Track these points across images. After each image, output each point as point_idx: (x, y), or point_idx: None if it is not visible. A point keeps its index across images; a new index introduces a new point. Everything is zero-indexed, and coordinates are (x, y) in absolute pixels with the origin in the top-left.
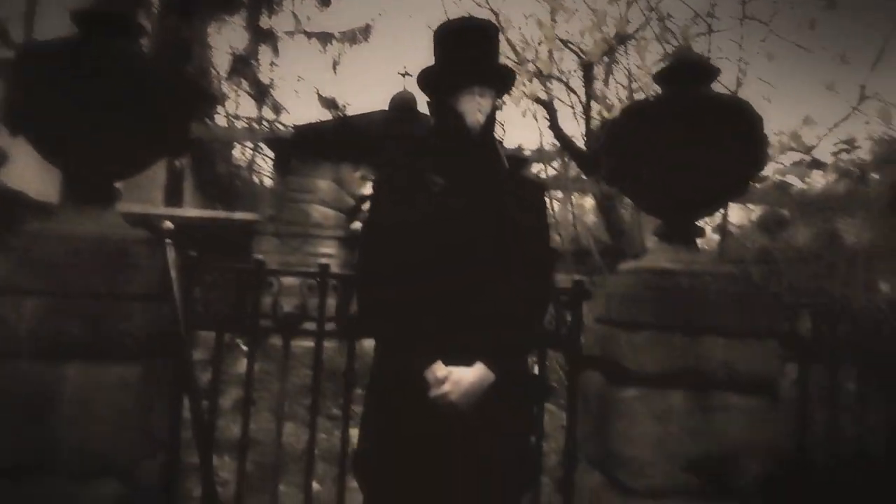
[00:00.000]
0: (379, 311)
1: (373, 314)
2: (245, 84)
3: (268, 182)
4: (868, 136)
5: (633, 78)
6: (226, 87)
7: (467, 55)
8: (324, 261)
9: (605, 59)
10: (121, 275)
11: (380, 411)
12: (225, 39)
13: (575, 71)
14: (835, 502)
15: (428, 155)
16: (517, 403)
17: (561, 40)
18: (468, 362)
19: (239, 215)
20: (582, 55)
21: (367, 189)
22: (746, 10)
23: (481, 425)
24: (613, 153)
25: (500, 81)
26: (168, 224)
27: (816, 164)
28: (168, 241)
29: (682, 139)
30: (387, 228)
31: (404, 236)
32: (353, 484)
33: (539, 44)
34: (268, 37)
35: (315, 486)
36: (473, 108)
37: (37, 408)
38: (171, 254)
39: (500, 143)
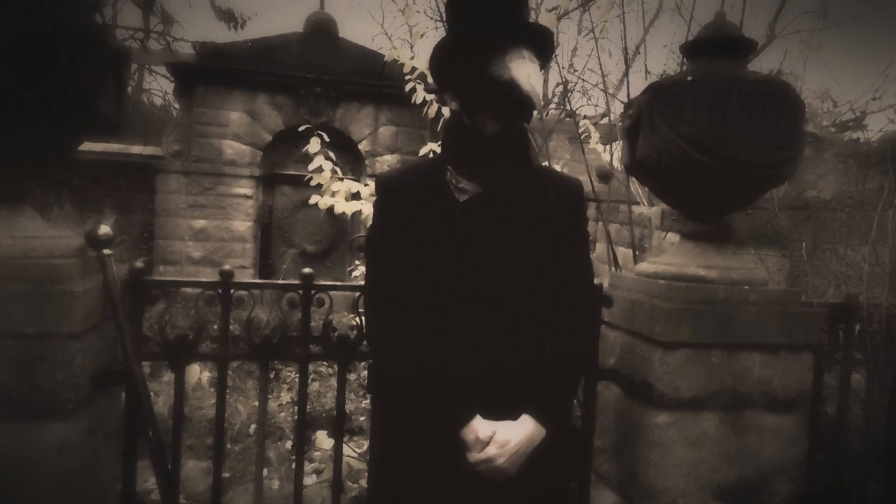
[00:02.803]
0: (395, 346)
1: (388, 350)
2: None
3: (158, 101)
4: None
5: None
6: None
7: (505, 6)
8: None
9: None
10: (52, 306)
11: (398, 477)
12: None
13: None
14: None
15: (451, 148)
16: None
17: None
18: (513, 416)
19: (137, 149)
20: None
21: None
22: None
23: (525, 492)
24: (635, 137)
25: (543, 46)
26: (106, 229)
27: None
28: (107, 251)
29: (715, 124)
30: (399, 245)
31: (422, 256)
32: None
33: None
34: None
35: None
36: (525, 72)
37: None
38: (112, 268)
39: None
